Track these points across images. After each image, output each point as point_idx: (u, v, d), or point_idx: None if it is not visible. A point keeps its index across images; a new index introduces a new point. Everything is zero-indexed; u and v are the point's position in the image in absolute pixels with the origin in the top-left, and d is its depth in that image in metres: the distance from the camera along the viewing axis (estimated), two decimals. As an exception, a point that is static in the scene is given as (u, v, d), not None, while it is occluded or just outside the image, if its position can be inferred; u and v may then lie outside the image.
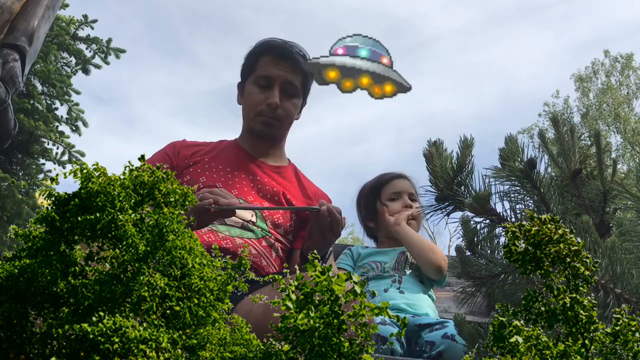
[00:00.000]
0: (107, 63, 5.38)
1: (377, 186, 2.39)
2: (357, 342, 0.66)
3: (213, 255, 0.77)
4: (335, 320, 0.65)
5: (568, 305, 0.68)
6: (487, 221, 1.32)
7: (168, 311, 0.70)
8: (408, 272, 2.14)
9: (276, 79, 2.19)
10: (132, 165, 0.73)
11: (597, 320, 0.68)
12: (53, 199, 0.70)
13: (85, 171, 0.70)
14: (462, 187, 1.34)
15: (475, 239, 1.35)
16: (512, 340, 0.67)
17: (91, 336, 0.61)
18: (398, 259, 2.16)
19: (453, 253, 2.16)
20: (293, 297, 0.66)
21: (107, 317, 0.63)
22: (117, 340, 0.61)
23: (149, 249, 0.69)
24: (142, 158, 0.74)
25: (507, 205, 1.31)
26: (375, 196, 2.38)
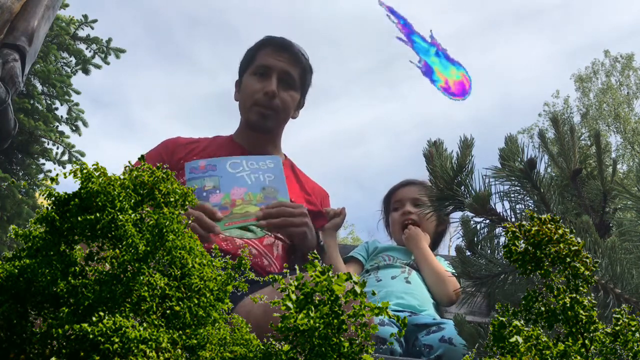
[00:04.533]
0: (107, 63, 5.38)
1: (386, 197, 2.47)
2: (357, 342, 0.66)
3: (213, 255, 0.77)
4: (335, 320, 0.65)
5: (568, 305, 0.68)
6: (487, 221, 1.32)
7: (168, 311, 0.70)
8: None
9: (274, 68, 2.18)
10: (132, 165, 0.73)
11: (597, 320, 0.68)
12: (53, 199, 0.70)
13: (85, 171, 0.70)
14: (462, 187, 1.34)
15: (475, 239, 1.35)
16: (512, 340, 0.67)
17: (91, 336, 0.61)
18: (413, 262, 2.18)
19: (453, 253, 2.16)
20: (293, 297, 0.66)
21: (107, 317, 0.63)
22: (117, 340, 0.61)
23: (149, 249, 0.69)
24: (142, 158, 0.74)
25: (507, 205, 1.31)
26: (386, 206, 2.45)
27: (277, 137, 2.32)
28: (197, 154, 2.16)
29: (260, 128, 2.22)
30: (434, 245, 2.36)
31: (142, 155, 0.75)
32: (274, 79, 2.17)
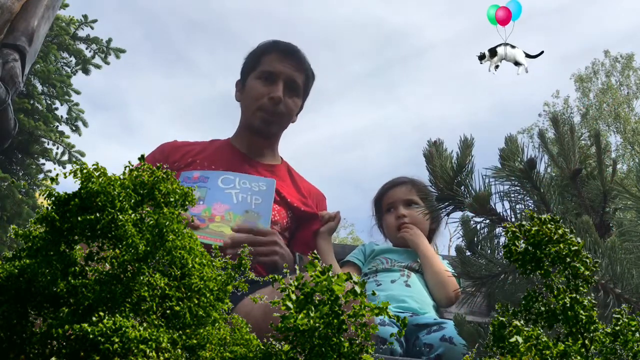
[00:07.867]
0: (107, 63, 5.36)
1: (377, 199, 2.45)
2: (357, 342, 0.66)
3: (213, 255, 0.77)
4: (335, 320, 0.65)
5: (568, 305, 0.68)
6: (487, 221, 1.32)
7: (168, 311, 0.70)
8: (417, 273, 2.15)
9: (280, 74, 2.21)
10: (132, 165, 0.73)
11: (597, 320, 0.68)
12: (53, 199, 0.70)
13: (85, 171, 0.70)
14: (462, 187, 1.34)
15: (475, 239, 1.35)
16: (512, 340, 0.67)
17: (91, 336, 0.61)
18: (411, 263, 2.18)
19: (453, 253, 2.16)
20: (293, 297, 0.66)
21: (107, 317, 0.63)
22: (117, 340, 0.61)
23: (149, 249, 0.69)
24: (142, 158, 0.74)
25: (507, 205, 1.31)
26: (378, 208, 2.43)
27: (276, 142, 2.35)
28: (192, 157, 2.18)
29: (262, 133, 2.25)
30: (429, 242, 2.35)
31: (142, 155, 0.75)
32: (280, 84, 2.20)
